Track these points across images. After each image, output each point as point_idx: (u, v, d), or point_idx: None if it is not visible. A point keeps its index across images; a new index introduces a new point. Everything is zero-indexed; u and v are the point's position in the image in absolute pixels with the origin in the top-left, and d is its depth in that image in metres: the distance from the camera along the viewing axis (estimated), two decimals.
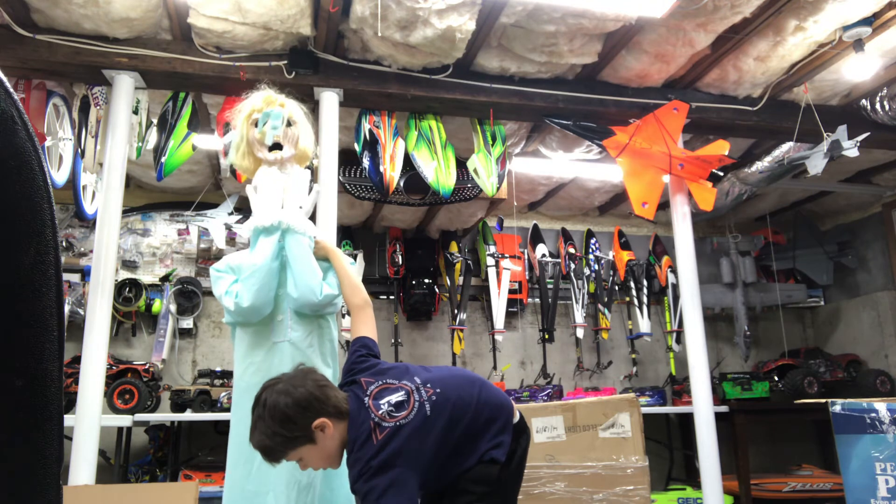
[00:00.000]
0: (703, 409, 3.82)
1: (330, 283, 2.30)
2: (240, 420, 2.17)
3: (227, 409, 4.18)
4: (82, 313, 4.44)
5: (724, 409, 4.92)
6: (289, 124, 2.37)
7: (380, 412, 1.75)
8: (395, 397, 1.79)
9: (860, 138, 3.93)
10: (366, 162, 3.75)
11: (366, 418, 1.75)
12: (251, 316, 2.22)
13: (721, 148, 4.02)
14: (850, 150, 3.91)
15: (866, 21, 3.42)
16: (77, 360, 3.54)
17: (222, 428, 4.64)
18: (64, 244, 4.94)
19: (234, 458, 2.21)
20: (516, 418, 1.93)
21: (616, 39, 3.58)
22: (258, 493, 2.14)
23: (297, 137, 2.38)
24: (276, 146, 2.35)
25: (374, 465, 1.67)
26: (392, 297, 5.38)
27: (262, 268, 2.21)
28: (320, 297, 2.23)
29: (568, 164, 4.87)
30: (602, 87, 3.98)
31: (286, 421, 1.71)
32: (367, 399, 1.79)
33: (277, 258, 2.26)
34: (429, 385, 1.84)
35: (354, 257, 5.01)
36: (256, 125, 2.35)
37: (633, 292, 5.77)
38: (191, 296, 5.01)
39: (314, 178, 3.05)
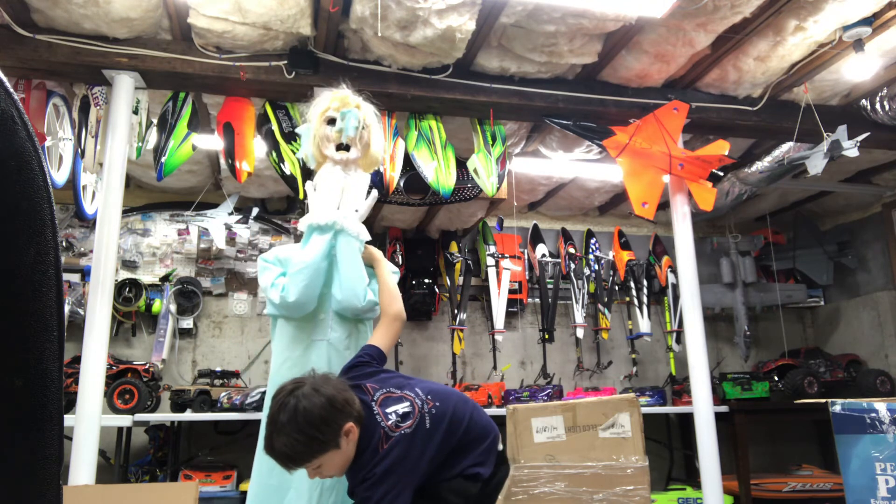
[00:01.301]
0: (703, 409, 3.82)
1: (374, 290, 2.33)
2: None
3: (227, 409, 4.19)
4: (82, 313, 4.44)
5: (724, 409, 4.92)
6: (362, 127, 2.39)
7: (389, 422, 1.77)
8: (402, 408, 1.81)
9: (860, 138, 3.93)
10: None
11: (376, 426, 1.76)
12: (295, 311, 2.23)
13: (721, 148, 4.02)
14: (850, 150, 3.91)
15: (866, 21, 3.42)
16: (77, 360, 3.54)
17: (222, 428, 4.65)
18: (64, 244, 4.94)
19: (261, 451, 2.23)
20: (500, 447, 1.97)
21: (616, 39, 3.58)
22: (280, 488, 2.15)
23: (368, 142, 2.40)
24: (344, 147, 2.36)
25: (377, 472, 1.69)
26: None
27: (312, 265, 2.21)
28: (363, 302, 2.25)
29: (568, 164, 4.87)
30: (602, 87, 3.98)
31: (322, 424, 1.68)
32: (374, 406, 1.81)
33: (327, 258, 2.27)
34: (429, 397, 1.87)
35: None
36: (329, 123, 2.36)
37: (633, 292, 5.76)
38: (191, 296, 5.01)
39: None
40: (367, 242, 2.40)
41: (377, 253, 2.41)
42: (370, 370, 1.97)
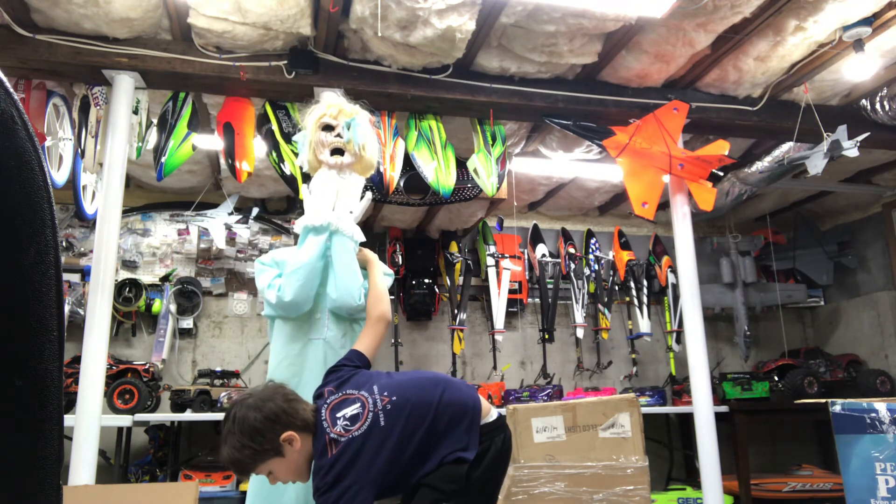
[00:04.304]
0: (703, 409, 3.82)
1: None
2: None
3: (227, 410, 4.18)
4: (82, 313, 4.44)
5: (724, 409, 4.92)
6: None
7: (336, 428, 1.79)
8: (351, 410, 1.82)
9: (860, 138, 3.93)
10: None
11: (322, 432, 1.80)
12: (291, 310, 2.29)
13: (721, 148, 4.02)
14: (850, 150, 3.91)
15: (866, 21, 3.42)
16: (77, 360, 3.54)
17: (221, 428, 4.64)
18: (64, 244, 4.94)
19: None
20: (490, 418, 1.91)
21: (616, 39, 3.58)
22: (278, 488, 2.17)
23: (363, 146, 2.46)
24: (338, 151, 2.42)
25: (328, 480, 1.72)
26: (392, 297, 5.38)
27: (307, 265, 2.28)
28: (358, 301, 2.31)
29: (568, 164, 4.87)
30: (602, 87, 3.98)
31: (256, 434, 1.76)
32: (324, 412, 1.84)
33: (323, 258, 2.33)
34: (385, 393, 1.85)
35: None
36: (324, 129, 2.43)
37: (633, 292, 5.76)
38: (191, 296, 5.01)
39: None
40: (361, 244, 2.45)
41: (371, 255, 2.46)
42: (341, 374, 1.98)
